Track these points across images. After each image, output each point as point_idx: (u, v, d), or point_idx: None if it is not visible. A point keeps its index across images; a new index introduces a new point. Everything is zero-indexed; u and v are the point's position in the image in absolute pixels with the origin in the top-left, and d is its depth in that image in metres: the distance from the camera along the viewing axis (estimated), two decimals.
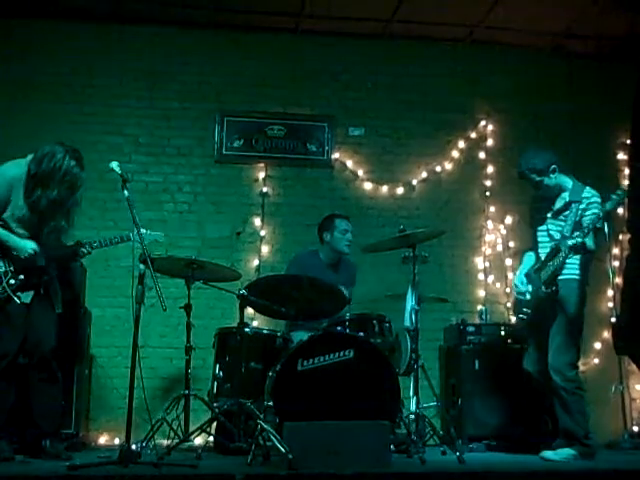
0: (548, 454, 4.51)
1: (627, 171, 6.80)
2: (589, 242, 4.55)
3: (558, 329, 4.61)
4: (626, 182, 6.82)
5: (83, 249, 4.51)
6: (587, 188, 4.70)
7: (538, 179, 4.72)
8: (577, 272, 4.65)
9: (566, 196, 4.72)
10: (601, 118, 6.94)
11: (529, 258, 4.92)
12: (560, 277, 4.62)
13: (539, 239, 4.84)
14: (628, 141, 2.63)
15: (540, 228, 4.84)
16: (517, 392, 5.64)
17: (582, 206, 4.62)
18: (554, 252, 4.63)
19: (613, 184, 6.76)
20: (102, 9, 6.47)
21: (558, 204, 4.76)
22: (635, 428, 6.13)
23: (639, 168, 2.79)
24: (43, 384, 4.31)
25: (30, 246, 4.25)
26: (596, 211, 4.56)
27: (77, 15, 6.49)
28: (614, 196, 4.44)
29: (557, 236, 4.67)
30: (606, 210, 4.49)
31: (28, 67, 6.46)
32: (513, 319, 5.07)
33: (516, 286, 4.87)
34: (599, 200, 4.61)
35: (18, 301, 4.21)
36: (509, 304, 6.69)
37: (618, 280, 6.18)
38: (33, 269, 4.27)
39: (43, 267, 4.31)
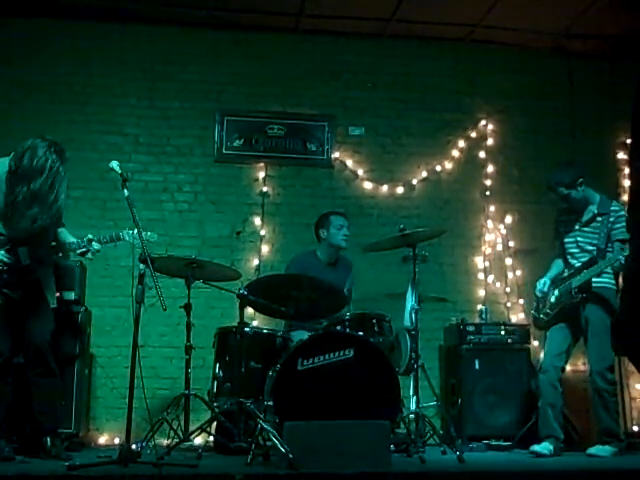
0: (592, 450, 4.68)
1: (627, 170, 6.80)
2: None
3: (597, 334, 4.80)
4: (626, 181, 6.83)
5: (84, 246, 4.49)
6: (614, 202, 5.00)
7: (566, 192, 4.98)
8: (613, 281, 4.92)
9: (594, 208, 4.98)
10: (601, 117, 6.95)
11: (557, 265, 5.19)
12: (597, 285, 4.86)
13: (569, 249, 5.07)
14: (628, 140, 2.63)
15: (568, 240, 5.09)
16: (517, 392, 5.66)
17: (611, 219, 4.89)
18: (590, 262, 4.85)
19: (613, 183, 6.79)
20: (102, 8, 6.46)
21: (586, 216, 5.01)
22: (635, 428, 6.12)
23: (639, 167, 2.79)
24: (40, 379, 4.31)
25: None
26: (625, 224, 4.78)
27: (77, 14, 6.48)
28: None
29: (588, 247, 4.93)
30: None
31: (28, 66, 6.45)
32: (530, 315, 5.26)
33: (538, 284, 5.13)
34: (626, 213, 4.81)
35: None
36: (509, 304, 6.70)
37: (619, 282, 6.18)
38: (17, 269, 4.26)
39: (27, 266, 4.29)
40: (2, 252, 4.22)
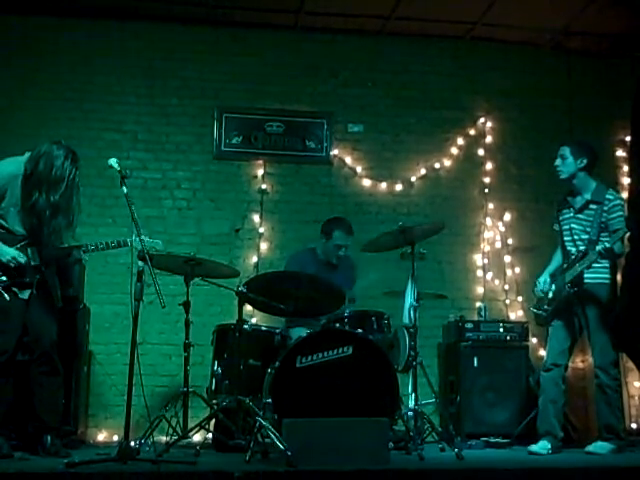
0: (590, 448, 4.63)
1: (626, 168, 6.81)
2: (618, 246, 4.61)
3: (597, 330, 4.74)
4: (625, 179, 6.83)
5: (80, 251, 4.51)
6: (610, 190, 4.84)
7: (566, 153, 4.86)
8: (607, 276, 4.81)
9: (587, 196, 4.85)
10: (600, 115, 6.94)
11: (556, 259, 5.09)
12: (591, 281, 4.76)
13: (564, 236, 4.97)
14: (627, 138, 2.64)
15: (564, 228, 4.98)
16: (516, 389, 5.67)
17: (605, 208, 4.75)
18: (582, 255, 4.76)
19: (611, 181, 6.79)
20: (101, 5, 6.45)
21: (579, 202, 4.89)
22: (634, 425, 6.13)
23: (638, 166, 2.79)
24: (44, 377, 4.31)
25: (10, 253, 4.20)
26: (621, 213, 4.68)
27: (76, 12, 6.47)
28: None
29: (583, 236, 4.82)
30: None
31: (27, 64, 6.44)
32: (533, 310, 5.19)
33: (538, 283, 5.03)
34: (622, 202, 4.71)
35: (8, 298, 4.20)
36: (508, 301, 6.71)
37: (617, 277, 6.18)
38: (26, 268, 4.26)
39: (37, 266, 4.29)
40: (17, 251, 4.23)
